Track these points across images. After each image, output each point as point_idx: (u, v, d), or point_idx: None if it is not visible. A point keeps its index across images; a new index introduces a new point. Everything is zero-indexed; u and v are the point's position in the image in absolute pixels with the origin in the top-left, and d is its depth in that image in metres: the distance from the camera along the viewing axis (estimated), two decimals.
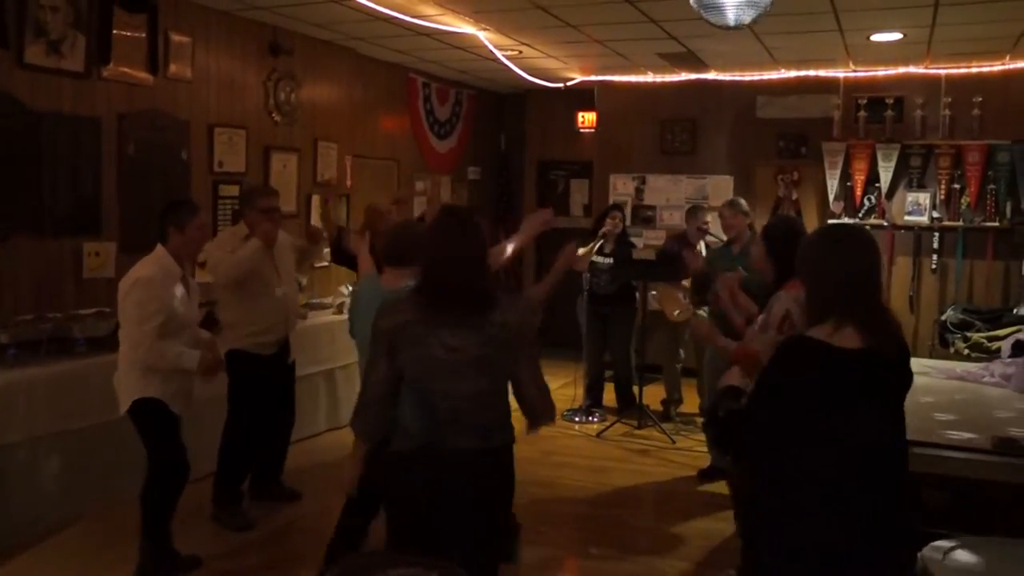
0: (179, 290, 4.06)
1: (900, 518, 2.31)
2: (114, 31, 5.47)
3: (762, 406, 2.32)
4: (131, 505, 4.16)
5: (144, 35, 5.72)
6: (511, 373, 2.77)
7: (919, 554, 2.75)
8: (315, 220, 7.13)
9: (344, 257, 5.55)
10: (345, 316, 4.62)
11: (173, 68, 5.95)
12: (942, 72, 7.97)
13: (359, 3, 6.04)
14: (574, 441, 6.74)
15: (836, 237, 2.48)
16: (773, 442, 2.30)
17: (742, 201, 6.16)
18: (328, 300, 7.11)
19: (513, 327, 2.69)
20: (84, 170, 5.38)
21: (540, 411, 2.83)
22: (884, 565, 2.28)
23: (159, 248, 4.06)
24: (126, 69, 5.59)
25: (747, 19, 3.95)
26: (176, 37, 5.96)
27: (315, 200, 7.39)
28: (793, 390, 2.27)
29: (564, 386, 7.39)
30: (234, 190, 6.43)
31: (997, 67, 7.75)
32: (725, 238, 6.23)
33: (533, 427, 2.88)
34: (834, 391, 2.25)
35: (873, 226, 8.10)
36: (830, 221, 8.03)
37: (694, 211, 7.18)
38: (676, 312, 7.00)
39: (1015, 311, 7.27)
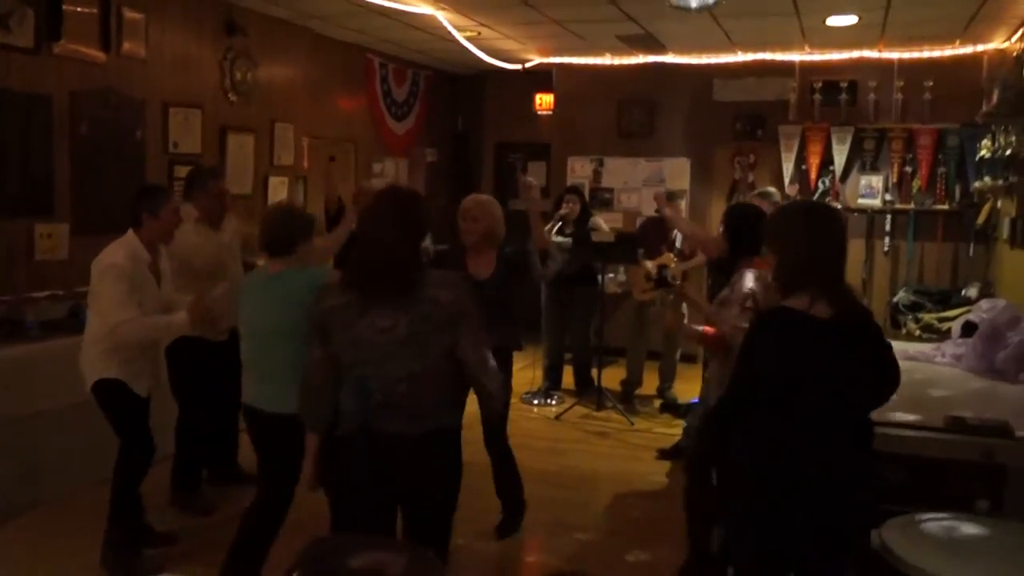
0: (149, 276, 4.00)
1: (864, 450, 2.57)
2: (64, 6, 5.31)
3: (748, 375, 2.45)
4: (88, 491, 4.10)
5: (96, 11, 5.58)
6: (453, 352, 2.65)
7: (878, 531, 2.82)
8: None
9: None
10: None
11: (126, 46, 5.82)
12: (895, 56, 8.09)
13: None
14: (532, 423, 6.76)
15: (813, 211, 2.55)
16: (761, 403, 2.44)
17: (772, 190, 6.24)
18: None
19: (445, 305, 2.61)
20: (35, 150, 5.25)
21: (489, 389, 2.71)
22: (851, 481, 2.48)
23: (130, 233, 3.97)
24: (78, 46, 5.45)
25: (711, 0, 3.96)
26: (129, 14, 5.82)
27: (275, 183, 7.30)
28: (775, 356, 2.39)
29: (523, 368, 7.39)
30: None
31: (947, 52, 7.88)
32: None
33: (487, 412, 2.76)
34: (813, 357, 2.37)
35: None
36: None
37: (670, 196, 7.26)
38: (642, 291, 7.06)
39: (963, 292, 7.45)
